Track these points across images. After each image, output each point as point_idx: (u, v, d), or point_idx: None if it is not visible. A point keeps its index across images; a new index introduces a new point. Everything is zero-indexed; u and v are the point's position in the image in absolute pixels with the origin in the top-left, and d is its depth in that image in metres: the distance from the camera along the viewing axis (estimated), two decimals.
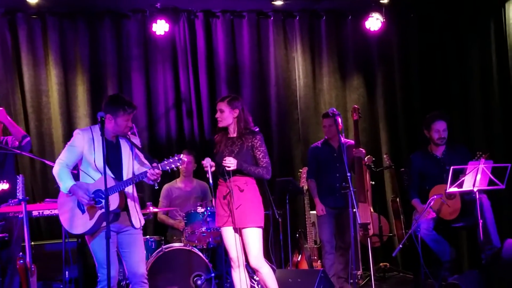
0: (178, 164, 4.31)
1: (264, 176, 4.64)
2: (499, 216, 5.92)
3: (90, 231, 4.37)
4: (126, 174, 4.46)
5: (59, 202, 4.49)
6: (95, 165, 4.38)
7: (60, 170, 4.43)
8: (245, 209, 4.58)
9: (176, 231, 6.32)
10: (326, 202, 6.14)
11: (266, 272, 4.63)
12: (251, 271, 5.10)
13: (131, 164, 4.51)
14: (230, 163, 4.55)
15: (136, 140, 4.62)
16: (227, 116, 4.67)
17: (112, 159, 4.42)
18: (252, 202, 4.61)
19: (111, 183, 4.29)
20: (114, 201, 4.31)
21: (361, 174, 6.11)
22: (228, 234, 4.68)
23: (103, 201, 4.21)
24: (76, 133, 4.50)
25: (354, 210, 4.91)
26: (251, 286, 4.96)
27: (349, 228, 5.13)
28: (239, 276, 4.68)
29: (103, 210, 4.29)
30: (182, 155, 4.33)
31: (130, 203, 4.46)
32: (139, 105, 7.07)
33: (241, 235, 4.66)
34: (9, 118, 5.72)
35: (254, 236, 4.59)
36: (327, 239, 6.13)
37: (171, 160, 4.32)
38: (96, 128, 4.40)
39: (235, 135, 4.70)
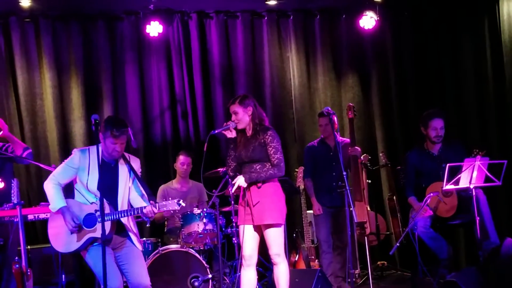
0: (176, 207, 4.28)
1: (276, 175, 4.60)
2: (496, 212, 5.92)
3: (72, 252, 4.36)
4: (121, 200, 4.40)
5: (51, 216, 4.46)
6: (87, 187, 4.35)
7: (53, 189, 4.39)
8: (264, 205, 4.55)
9: (173, 233, 6.29)
10: (323, 201, 6.14)
11: (283, 269, 4.62)
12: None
13: (127, 190, 4.45)
14: (240, 183, 4.53)
15: (136, 163, 4.55)
16: (242, 117, 4.65)
17: (107, 183, 4.35)
18: (271, 199, 4.58)
19: (106, 209, 4.24)
20: (106, 228, 4.20)
21: (357, 173, 6.10)
22: (245, 232, 4.65)
23: (94, 227, 4.21)
24: (74, 152, 4.47)
25: (351, 209, 4.90)
26: None
27: (346, 227, 5.12)
28: (248, 275, 4.64)
29: (92, 234, 4.27)
30: (181, 200, 4.30)
31: (130, 232, 4.42)
32: (134, 107, 7.07)
33: (260, 232, 4.65)
34: (10, 134, 5.69)
35: (274, 233, 4.56)
36: (324, 239, 6.13)
37: (170, 203, 4.29)
38: (94, 149, 4.31)
39: (250, 133, 4.69)
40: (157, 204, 4.28)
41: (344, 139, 6.31)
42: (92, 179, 4.29)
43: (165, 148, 7.19)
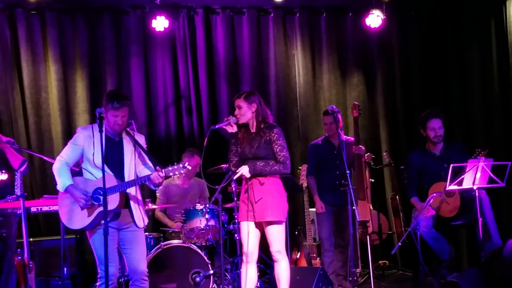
0: (182, 171, 4.32)
1: (281, 171, 4.62)
2: (499, 213, 5.91)
3: (87, 227, 4.37)
4: (128, 173, 4.43)
5: (59, 196, 4.48)
6: (94, 163, 4.37)
7: (60, 168, 4.41)
8: (265, 202, 4.56)
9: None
10: (326, 199, 6.13)
11: (283, 266, 4.63)
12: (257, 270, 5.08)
13: (133, 163, 4.47)
14: (244, 173, 4.55)
15: (141, 139, 4.57)
16: (245, 112, 4.66)
17: (113, 157, 4.39)
18: (272, 196, 4.59)
19: (113, 182, 4.28)
20: (114, 201, 4.29)
21: (360, 172, 6.09)
22: (246, 228, 4.66)
23: (102, 198, 4.20)
24: (78, 131, 4.49)
25: (354, 207, 4.89)
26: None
27: (349, 226, 5.11)
28: (248, 272, 4.64)
29: (102, 208, 4.28)
30: (187, 163, 4.32)
31: (132, 202, 4.44)
32: (139, 101, 7.07)
33: (261, 229, 4.65)
34: (7, 146, 5.57)
35: (275, 230, 4.57)
36: (326, 237, 6.13)
37: (176, 167, 4.31)
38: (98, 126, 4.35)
39: (254, 130, 4.69)
40: (163, 170, 4.30)
41: (349, 137, 6.31)
42: (98, 153, 4.29)
43: (169, 143, 7.19)
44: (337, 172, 6.05)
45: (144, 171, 4.48)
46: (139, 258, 4.47)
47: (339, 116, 5.28)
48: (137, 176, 4.48)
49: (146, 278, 4.48)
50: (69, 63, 6.91)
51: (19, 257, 4.73)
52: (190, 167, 4.39)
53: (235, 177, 4.64)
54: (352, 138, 6.22)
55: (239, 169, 4.60)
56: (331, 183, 6.08)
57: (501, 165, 5.29)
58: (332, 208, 6.11)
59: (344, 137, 6.08)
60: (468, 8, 7.31)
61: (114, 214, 4.35)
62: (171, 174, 4.32)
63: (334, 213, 6.12)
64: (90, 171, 4.41)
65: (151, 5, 6.92)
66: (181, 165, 4.31)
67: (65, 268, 5.35)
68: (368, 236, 6.19)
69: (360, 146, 6.12)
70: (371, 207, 6.50)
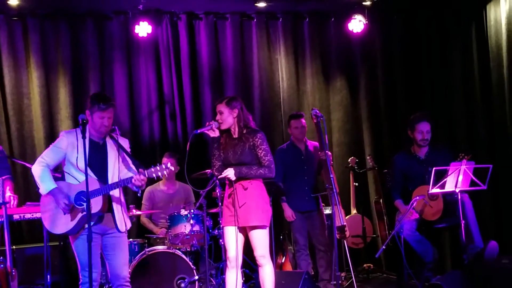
0: (165, 172, 4.30)
1: (266, 175, 4.63)
2: (481, 216, 5.96)
3: (71, 232, 4.35)
4: (111, 177, 4.42)
5: (42, 201, 4.45)
6: (77, 166, 4.35)
7: (42, 171, 4.37)
8: (249, 207, 4.57)
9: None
10: (296, 206, 6.06)
11: (268, 270, 4.64)
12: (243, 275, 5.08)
13: (117, 167, 4.46)
14: (229, 175, 4.56)
15: (125, 143, 4.57)
16: (227, 117, 4.66)
17: (97, 161, 4.38)
18: (256, 201, 4.59)
19: (95, 185, 4.27)
20: (97, 204, 4.27)
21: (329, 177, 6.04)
22: (230, 233, 4.66)
23: (85, 204, 4.18)
24: (61, 134, 4.48)
25: (328, 212, 4.90)
26: None
27: (322, 229, 5.11)
28: (233, 277, 4.64)
29: (85, 212, 4.26)
30: (169, 163, 4.31)
31: (115, 206, 4.43)
32: (122, 107, 7.03)
33: (245, 234, 4.66)
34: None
35: (259, 235, 4.58)
36: (303, 243, 6.06)
37: (158, 168, 4.30)
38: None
39: (236, 135, 4.69)
40: (146, 171, 4.28)
41: (313, 142, 6.27)
42: (82, 157, 4.28)
43: (153, 149, 7.16)
44: (305, 177, 6.03)
45: (128, 176, 4.47)
46: (121, 264, 4.46)
47: (317, 120, 5.30)
48: (120, 179, 4.46)
49: (128, 284, 4.47)
50: (51, 69, 6.87)
51: (2, 265, 4.69)
52: (173, 168, 4.37)
53: (220, 177, 4.65)
54: (317, 143, 6.11)
55: (225, 171, 4.61)
56: (300, 189, 6.03)
57: (483, 168, 5.34)
58: (304, 214, 6.06)
59: (309, 142, 6.11)
60: (450, 12, 7.38)
61: (97, 217, 4.33)
62: (153, 175, 4.31)
63: (306, 219, 6.07)
64: (73, 175, 4.39)
65: (134, 11, 6.89)
66: (163, 166, 4.29)
67: (48, 276, 5.31)
68: (345, 241, 6.10)
69: (326, 151, 6.06)
70: (355, 211, 6.53)
